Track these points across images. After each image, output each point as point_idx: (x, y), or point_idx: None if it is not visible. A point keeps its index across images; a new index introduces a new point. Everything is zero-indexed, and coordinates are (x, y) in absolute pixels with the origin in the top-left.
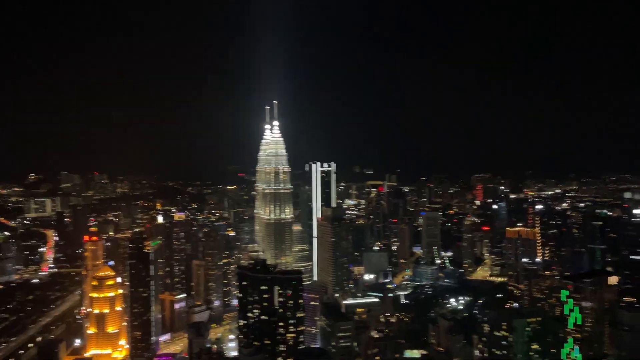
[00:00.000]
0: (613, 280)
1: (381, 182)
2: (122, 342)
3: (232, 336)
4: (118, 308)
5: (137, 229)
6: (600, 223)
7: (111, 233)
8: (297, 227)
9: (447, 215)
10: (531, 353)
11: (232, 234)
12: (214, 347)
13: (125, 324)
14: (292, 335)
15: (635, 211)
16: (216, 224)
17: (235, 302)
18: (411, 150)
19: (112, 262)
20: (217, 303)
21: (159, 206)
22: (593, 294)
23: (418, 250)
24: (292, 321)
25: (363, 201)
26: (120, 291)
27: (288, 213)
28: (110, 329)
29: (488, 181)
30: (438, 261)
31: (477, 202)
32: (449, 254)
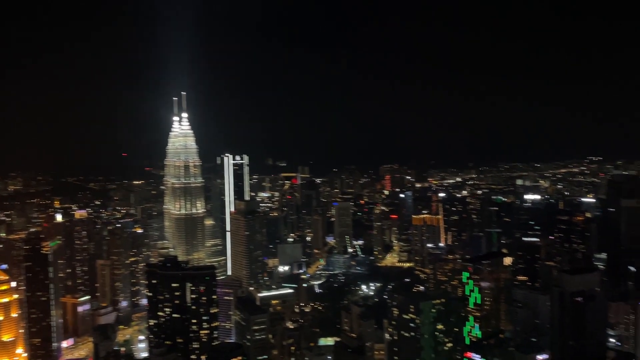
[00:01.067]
0: (508, 261)
1: (294, 174)
2: (20, 350)
3: (142, 337)
4: (14, 314)
5: (33, 229)
6: (496, 208)
7: (3, 234)
8: (209, 222)
9: (358, 205)
10: (436, 333)
11: (140, 231)
12: (122, 349)
13: (23, 330)
14: (206, 331)
15: (526, 196)
16: (122, 221)
17: (144, 301)
18: (323, 142)
19: (5, 266)
20: (124, 304)
21: (57, 204)
22: (490, 274)
23: (331, 240)
24: (205, 317)
25: (277, 193)
26: (16, 296)
27: (200, 207)
28: (6, 337)
29: (395, 171)
30: (350, 250)
31: (386, 192)
32: (360, 242)
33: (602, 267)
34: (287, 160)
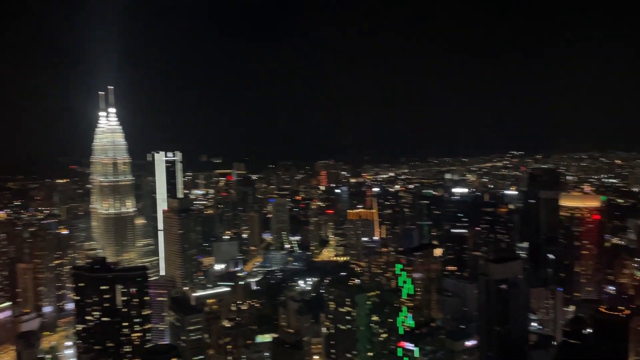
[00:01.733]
0: (438, 252)
1: (229, 170)
2: None
3: (68, 343)
4: None
5: None
6: (427, 202)
7: None
8: (140, 221)
9: (294, 201)
10: (372, 324)
11: (65, 232)
12: (48, 356)
13: None
14: (138, 334)
15: (454, 190)
16: (45, 222)
17: (71, 306)
18: (259, 138)
19: None
20: (49, 309)
21: None
22: (422, 265)
23: (268, 237)
24: (137, 320)
25: (211, 190)
26: None
27: (129, 206)
28: None
29: (331, 167)
30: (287, 246)
31: (322, 187)
32: (297, 238)
33: (524, 255)
34: (222, 157)
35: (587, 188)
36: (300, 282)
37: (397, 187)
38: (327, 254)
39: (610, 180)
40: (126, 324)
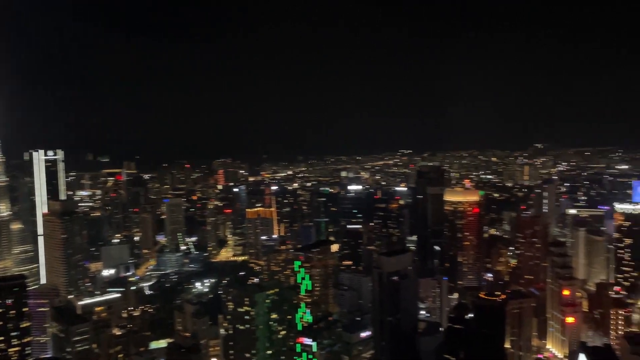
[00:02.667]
0: (335, 247)
1: (119, 170)
2: None
3: None
4: None
5: None
6: (324, 199)
7: None
8: (16, 226)
9: (190, 201)
10: (271, 322)
11: None
12: None
13: None
14: (16, 349)
15: (349, 187)
16: None
17: None
18: (151, 136)
19: None
20: None
21: None
22: (319, 261)
23: (162, 239)
24: (14, 333)
25: (99, 191)
26: None
27: (3, 210)
28: None
29: (229, 166)
30: (183, 247)
31: (219, 187)
32: (194, 238)
33: (413, 247)
34: (110, 155)
35: (467, 183)
36: (197, 284)
37: (296, 185)
38: (226, 254)
39: (488, 177)
40: (2, 338)
